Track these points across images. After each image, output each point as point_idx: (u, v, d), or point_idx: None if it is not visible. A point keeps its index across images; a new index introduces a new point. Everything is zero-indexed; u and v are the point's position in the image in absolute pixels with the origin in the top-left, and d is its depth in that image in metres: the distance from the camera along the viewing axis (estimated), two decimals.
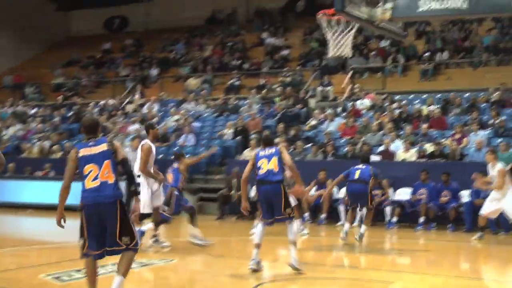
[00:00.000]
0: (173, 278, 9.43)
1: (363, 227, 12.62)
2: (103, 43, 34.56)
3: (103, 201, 6.59)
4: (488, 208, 13.10)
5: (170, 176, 12.12)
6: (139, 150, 11.14)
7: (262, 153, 9.47)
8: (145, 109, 24.65)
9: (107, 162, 6.69)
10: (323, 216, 16.40)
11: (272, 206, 9.19)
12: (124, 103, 26.69)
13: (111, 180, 6.67)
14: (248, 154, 18.22)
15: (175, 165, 12.25)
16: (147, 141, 11.00)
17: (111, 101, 26.52)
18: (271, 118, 21.81)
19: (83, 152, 6.73)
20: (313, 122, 21.04)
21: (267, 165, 9.27)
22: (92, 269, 6.74)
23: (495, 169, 13.00)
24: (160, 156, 18.23)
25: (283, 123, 20.39)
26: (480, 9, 8.43)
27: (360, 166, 12.75)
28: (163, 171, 11.89)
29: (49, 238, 13.32)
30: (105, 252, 6.64)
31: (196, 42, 32.28)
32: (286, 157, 9.33)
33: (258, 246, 9.19)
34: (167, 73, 30.27)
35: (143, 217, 11.45)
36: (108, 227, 6.57)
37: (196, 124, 22.67)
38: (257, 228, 9.39)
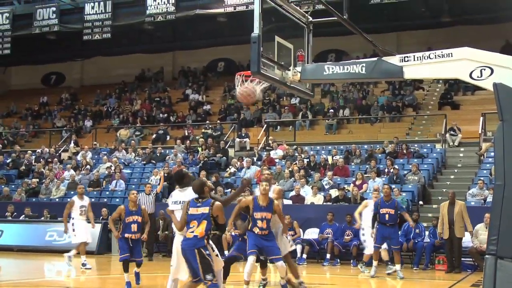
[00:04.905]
0: None
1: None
2: (41, 96, 33.83)
3: None
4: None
5: None
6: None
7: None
8: (79, 157, 24.17)
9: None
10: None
11: None
12: (60, 151, 26.12)
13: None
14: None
15: None
16: None
17: (47, 149, 25.91)
18: (194, 166, 21.75)
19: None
20: (232, 169, 21.13)
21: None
22: None
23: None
24: (92, 199, 17.81)
25: (205, 171, 20.38)
26: (375, 74, 8.76)
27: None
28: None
29: None
30: None
31: (126, 97, 32.02)
32: None
33: None
34: (100, 124, 29.87)
35: None
36: None
37: (126, 171, 22.39)
38: None
